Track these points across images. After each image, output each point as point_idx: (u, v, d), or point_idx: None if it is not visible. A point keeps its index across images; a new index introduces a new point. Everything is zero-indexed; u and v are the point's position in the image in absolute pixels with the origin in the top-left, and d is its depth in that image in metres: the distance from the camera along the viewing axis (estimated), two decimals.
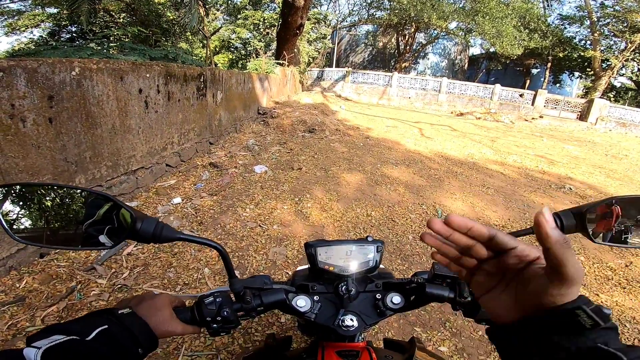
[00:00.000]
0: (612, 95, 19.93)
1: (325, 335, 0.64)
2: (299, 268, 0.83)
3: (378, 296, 0.61)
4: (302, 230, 2.79)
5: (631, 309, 2.13)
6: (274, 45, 13.68)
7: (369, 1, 19.83)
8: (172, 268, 2.13)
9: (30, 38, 13.84)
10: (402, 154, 5.66)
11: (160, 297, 0.52)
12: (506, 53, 15.87)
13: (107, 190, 2.67)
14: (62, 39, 12.15)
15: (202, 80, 4.28)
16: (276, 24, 14.30)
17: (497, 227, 3.19)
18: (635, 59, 17.77)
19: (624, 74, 19.48)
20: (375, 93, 16.65)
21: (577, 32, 19.97)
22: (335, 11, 21.82)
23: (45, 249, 2.03)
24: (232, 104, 5.60)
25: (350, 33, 23.49)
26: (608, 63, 17.04)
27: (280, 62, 10.34)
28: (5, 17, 13.23)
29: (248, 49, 16.45)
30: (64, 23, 12.11)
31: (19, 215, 0.56)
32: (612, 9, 16.51)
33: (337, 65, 21.97)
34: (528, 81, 22.69)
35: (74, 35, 12.02)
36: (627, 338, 1.86)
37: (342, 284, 0.58)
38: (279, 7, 13.99)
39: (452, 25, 18.10)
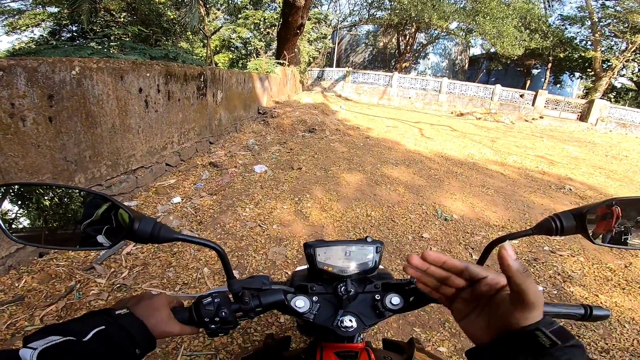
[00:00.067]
0: (612, 96, 19.89)
1: (324, 336, 0.64)
2: (298, 268, 0.83)
3: (377, 297, 0.60)
4: (301, 230, 2.79)
5: (630, 310, 2.13)
6: (274, 45, 13.68)
7: (369, 1, 19.79)
8: (171, 268, 2.12)
9: (30, 37, 13.85)
10: (402, 154, 5.65)
11: (158, 298, 0.52)
12: (507, 53, 15.85)
13: (106, 189, 2.67)
14: (62, 38, 12.16)
15: (202, 79, 4.28)
16: (277, 23, 14.29)
17: (497, 228, 3.19)
18: (636, 60, 17.75)
19: (624, 75, 19.45)
20: (375, 93, 16.64)
21: (578, 32, 19.95)
22: (335, 11, 21.80)
23: (43, 249, 2.03)
24: (232, 103, 5.60)
25: (351, 33, 23.47)
26: (609, 64, 17.02)
27: (281, 61, 10.34)
28: (6, 16, 13.24)
29: (248, 48, 16.45)
30: (64, 22, 12.12)
31: (17, 215, 0.56)
32: (613, 10, 16.48)
33: (338, 65, 21.97)
34: (528, 81, 22.67)
35: (75, 34, 12.04)
36: (627, 339, 1.86)
37: (341, 284, 0.58)
38: (279, 6, 14.00)
39: (453, 25, 18.08)
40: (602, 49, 17.39)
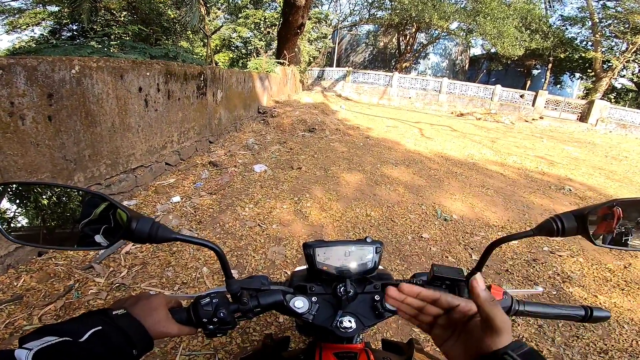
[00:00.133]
0: (612, 97, 19.90)
1: (323, 336, 0.63)
2: (297, 268, 0.83)
3: (377, 297, 0.60)
4: (301, 229, 2.78)
5: (629, 310, 2.13)
6: (274, 45, 13.67)
7: (370, 1, 19.80)
8: (170, 267, 2.12)
9: (31, 36, 13.81)
10: (402, 154, 5.65)
11: (156, 298, 0.52)
12: (507, 54, 15.84)
13: (106, 188, 2.67)
14: (63, 37, 12.14)
15: (202, 79, 4.27)
16: (277, 23, 14.29)
17: (497, 228, 3.19)
18: (636, 60, 17.76)
19: (624, 75, 19.45)
20: (375, 93, 16.64)
21: (578, 33, 19.94)
22: (336, 11, 21.81)
23: (41, 249, 2.03)
24: (232, 102, 5.60)
25: (351, 33, 23.46)
26: (609, 64, 17.02)
27: (281, 61, 10.33)
28: (7, 15, 13.22)
29: (249, 48, 16.44)
30: (65, 21, 12.10)
31: (15, 215, 0.56)
32: (613, 10, 16.48)
33: (338, 65, 21.95)
34: (529, 82, 22.67)
35: (75, 33, 12.02)
36: (625, 339, 1.86)
37: (341, 285, 0.58)
38: (280, 6, 13.99)
39: (453, 25, 18.06)
40: (603, 49, 17.39)
